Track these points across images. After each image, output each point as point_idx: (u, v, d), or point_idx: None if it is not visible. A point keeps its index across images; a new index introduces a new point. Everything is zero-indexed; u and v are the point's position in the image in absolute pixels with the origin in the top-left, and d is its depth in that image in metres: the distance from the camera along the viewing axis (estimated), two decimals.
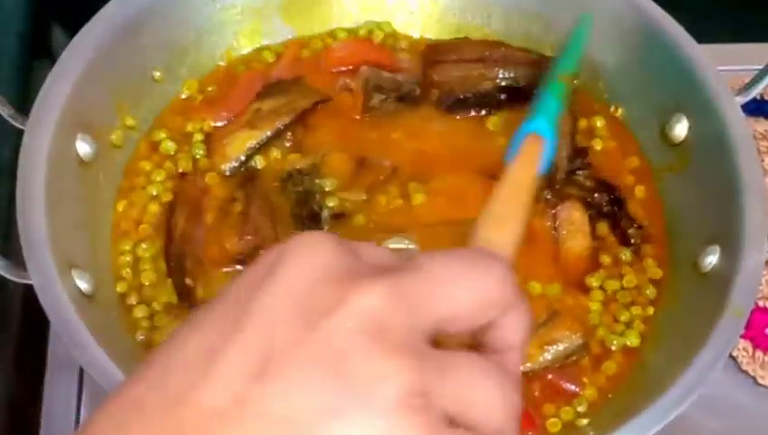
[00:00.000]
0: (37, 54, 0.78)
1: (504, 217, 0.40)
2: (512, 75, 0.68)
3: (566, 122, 0.65)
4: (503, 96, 0.68)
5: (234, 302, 0.29)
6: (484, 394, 0.30)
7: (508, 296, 0.31)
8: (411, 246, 0.60)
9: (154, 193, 0.64)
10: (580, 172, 0.65)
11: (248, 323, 0.28)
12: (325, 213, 0.63)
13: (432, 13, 0.72)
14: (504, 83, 0.68)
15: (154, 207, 0.63)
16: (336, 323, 0.28)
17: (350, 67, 0.69)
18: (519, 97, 0.66)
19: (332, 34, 0.71)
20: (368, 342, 0.28)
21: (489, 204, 0.41)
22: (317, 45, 0.71)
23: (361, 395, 0.27)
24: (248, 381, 0.27)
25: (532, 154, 0.48)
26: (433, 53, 0.70)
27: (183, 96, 0.68)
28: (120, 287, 0.60)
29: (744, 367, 0.66)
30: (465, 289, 0.30)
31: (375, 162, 0.65)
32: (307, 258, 0.29)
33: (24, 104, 0.60)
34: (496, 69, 0.68)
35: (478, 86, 0.68)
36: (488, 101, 0.68)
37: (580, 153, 0.66)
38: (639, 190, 0.65)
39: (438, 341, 0.30)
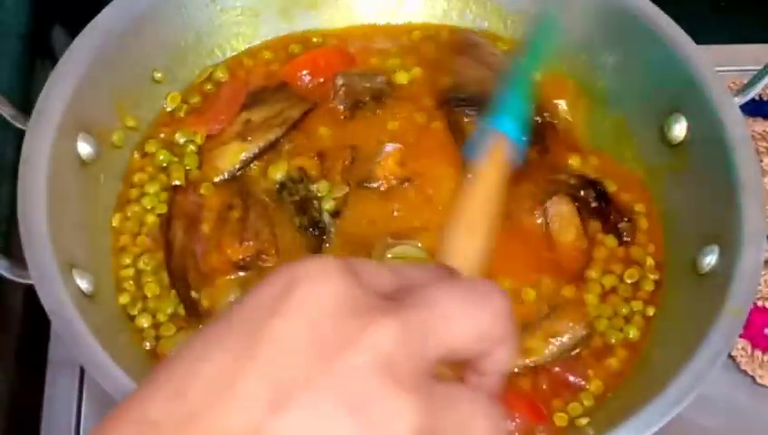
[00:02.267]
0: (39, 55, 0.78)
1: (475, 224, 0.41)
2: None
3: None
4: None
5: (249, 323, 0.30)
6: (481, 428, 0.31)
7: (504, 330, 0.33)
8: (419, 253, 0.61)
9: (149, 206, 0.63)
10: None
11: (264, 350, 0.29)
12: (326, 217, 0.63)
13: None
14: None
15: (151, 219, 0.63)
16: (351, 359, 0.29)
17: (321, 78, 0.69)
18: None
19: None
20: (382, 379, 0.28)
21: (458, 212, 0.41)
22: (295, 50, 0.71)
23: (376, 432, 0.28)
24: (265, 410, 0.28)
25: (498, 158, 0.48)
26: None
27: (168, 109, 0.68)
28: (123, 299, 0.60)
29: (743, 366, 0.66)
30: (469, 325, 0.32)
31: (332, 151, 0.66)
32: (319, 287, 0.30)
33: (25, 105, 0.61)
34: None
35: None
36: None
37: None
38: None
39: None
